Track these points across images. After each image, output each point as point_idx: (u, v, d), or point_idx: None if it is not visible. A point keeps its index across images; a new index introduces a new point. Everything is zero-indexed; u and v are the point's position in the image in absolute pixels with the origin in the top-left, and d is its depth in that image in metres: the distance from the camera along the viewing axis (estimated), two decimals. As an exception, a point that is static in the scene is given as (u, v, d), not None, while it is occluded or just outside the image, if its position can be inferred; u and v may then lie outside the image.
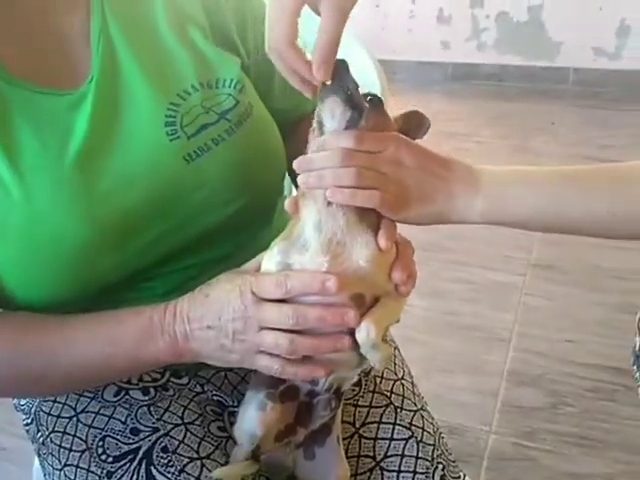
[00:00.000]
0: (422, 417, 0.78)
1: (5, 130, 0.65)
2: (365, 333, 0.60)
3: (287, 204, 0.64)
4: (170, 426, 0.72)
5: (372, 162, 0.62)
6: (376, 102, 0.63)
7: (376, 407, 0.77)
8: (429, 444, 0.76)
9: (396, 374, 0.82)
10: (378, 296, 0.62)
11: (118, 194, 0.67)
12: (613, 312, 1.88)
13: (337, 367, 0.64)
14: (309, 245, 0.61)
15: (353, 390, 0.79)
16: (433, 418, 0.80)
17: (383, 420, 0.76)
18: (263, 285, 0.61)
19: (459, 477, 0.77)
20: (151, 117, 0.70)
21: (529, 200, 0.63)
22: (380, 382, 0.80)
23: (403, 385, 0.81)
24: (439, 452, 0.76)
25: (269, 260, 0.63)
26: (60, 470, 0.74)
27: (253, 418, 0.66)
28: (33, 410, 0.80)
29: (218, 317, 0.62)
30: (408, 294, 0.64)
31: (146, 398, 0.75)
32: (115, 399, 0.75)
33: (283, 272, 0.61)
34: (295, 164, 0.63)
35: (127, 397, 0.75)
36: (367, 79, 1.05)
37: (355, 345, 0.61)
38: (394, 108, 0.70)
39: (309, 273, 0.60)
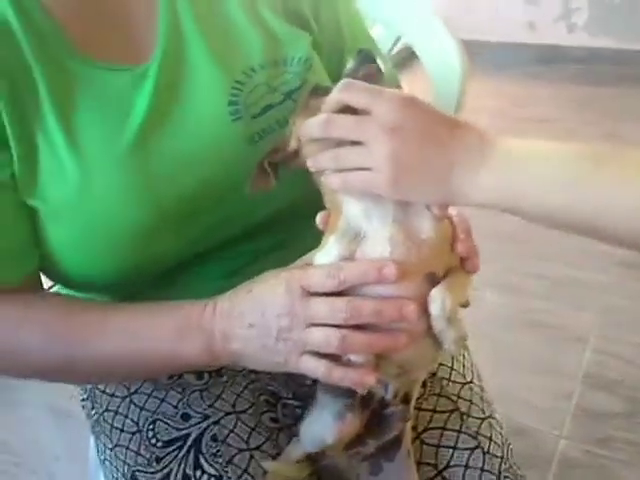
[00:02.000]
0: (490, 425, 0.72)
1: (65, 105, 0.62)
2: (440, 303, 0.54)
3: (319, 220, 0.59)
4: (221, 414, 0.70)
5: (358, 129, 0.54)
6: (366, 54, 0.58)
7: (441, 412, 0.72)
8: (497, 456, 0.70)
9: (464, 377, 0.76)
10: (446, 273, 0.57)
11: (177, 175, 0.64)
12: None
13: (406, 365, 0.59)
14: (364, 233, 0.56)
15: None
16: (502, 427, 0.74)
17: (447, 426, 0.71)
18: (313, 277, 0.56)
19: (529, 492, 0.71)
20: (214, 95, 0.66)
21: (546, 179, 0.50)
22: (447, 385, 0.74)
23: (472, 389, 0.75)
24: (507, 466, 0.70)
25: (325, 255, 0.57)
26: (112, 450, 0.72)
27: (328, 425, 0.61)
28: (89, 386, 0.79)
29: (261, 314, 0.57)
30: (475, 270, 0.58)
31: (200, 383, 0.72)
32: (169, 381, 0.73)
33: (335, 263, 0.56)
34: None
35: (181, 380, 0.73)
36: (446, 58, 0.99)
37: (425, 335, 0.55)
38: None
39: (364, 261, 0.55)
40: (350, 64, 0.60)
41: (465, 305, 0.58)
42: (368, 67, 0.59)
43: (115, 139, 0.63)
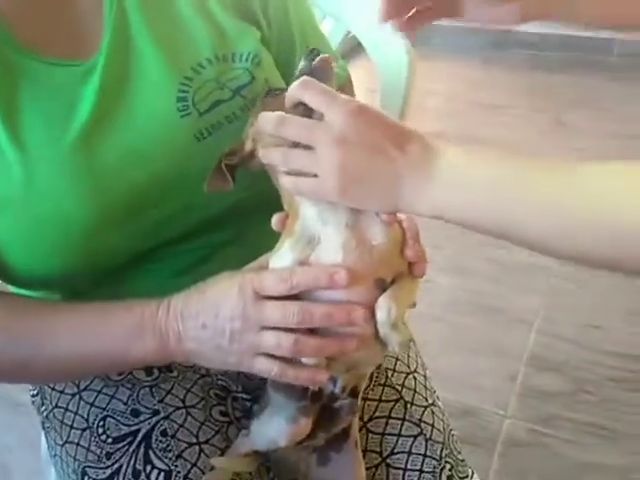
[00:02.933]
0: (432, 413, 0.75)
1: (9, 102, 0.62)
2: (386, 311, 0.56)
3: (274, 221, 0.60)
4: (171, 409, 0.71)
5: (309, 134, 0.55)
6: (317, 53, 0.60)
7: (386, 401, 0.75)
8: (438, 442, 0.73)
9: (409, 367, 0.79)
10: (395, 279, 0.59)
11: (124, 171, 0.64)
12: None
13: (354, 364, 0.61)
14: (318, 238, 0.58)
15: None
16: (444, 414, 0.78)
17: (392, 415, 0.74)
18: (265, 281, 0.57)
19: (467, 476, 0.75)
20: (162, 91, 0.66)
21: (485, 199, 0.51)
22: (392, 375, 0.77)
23: (416, 379, 0.78)
24: (448, 451, 0.73)
25: (280, 258, 0.58)
26: (62, 446, 0.73)
27: (281, 429, 0.63)
28: (38, 383, 0.79)
29: (215, 315, 0.58)
30: (423, 274, 0.60)
31: (149, 379, 0.73)
32: (118, 378, 0.74)
33: (288, 267, 0.57)
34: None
35: (130, 377, 0.73)
36: (393, 51, 1.00)
37: (371, 339, 0.57)
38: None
39: (316, 267, 0.57)
40: (301, 64, 0.61)
41: (412, 306, 0.61)
42: (320, 66, 0.60)
43: (61, 135, 0.63)
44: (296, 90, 0.57)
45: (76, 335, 0.64)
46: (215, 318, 0.58)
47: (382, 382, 0.76)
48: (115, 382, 0.73)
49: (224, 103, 0.68)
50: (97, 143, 0.64)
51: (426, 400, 0.76)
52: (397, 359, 0.79)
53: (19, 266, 0.65)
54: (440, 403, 0.79)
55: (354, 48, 1.28)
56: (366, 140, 0.54)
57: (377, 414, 0.74)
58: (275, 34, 0.76)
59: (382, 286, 0.57)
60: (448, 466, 0.72)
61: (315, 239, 0.58)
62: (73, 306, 0.66)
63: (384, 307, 0.56)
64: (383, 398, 0.75)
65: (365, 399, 0.74)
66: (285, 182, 0.58)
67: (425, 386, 0.78)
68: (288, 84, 0.75)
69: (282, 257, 0.58)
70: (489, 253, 2.05)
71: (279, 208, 0.62)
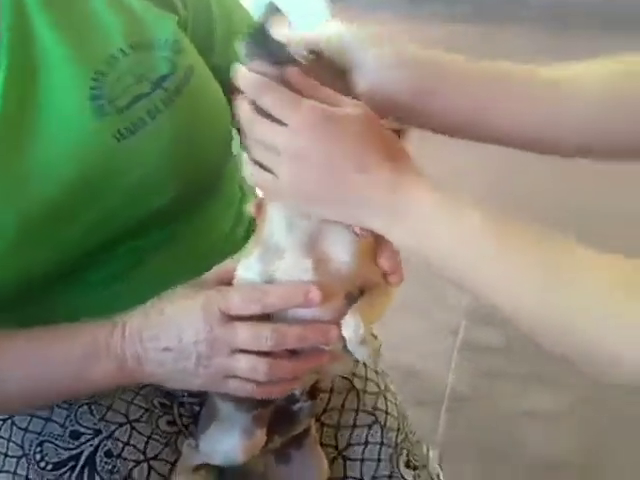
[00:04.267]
0: (385, 399, 0.74)
1: None
2: (353, 330, 0.54)
3: (250, 207, 0.57)
4: (114, 426, 0.67)
5: (272, 138, 0.51)
6: (313, 58, 0.53)
7: (338, 393, 0.73)
8: (393, 429, 0.72)
9: None
10: (365, 289, 0.56)
11: (41, 181, 0.59)
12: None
13: (323, 375, 0.61)
14: (285, 247, 0.54)
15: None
16: (397, 398, 0.77)
17: (346, 406, 0.72)
18: (234, 301, 0.54)
19: (424, 456, 0.75)
20: (73, 91, 0.60)
21: (450, 254, 0.49)
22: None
23: (365, 365, 0.76)
24: (403, 436, 0.72)
25: (248, 270, 0.55)
26: None
27: (237, 445, 0.60)
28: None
29: (178, 339, 0.55)
30: (399, 283, 0.57)
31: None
32: None
33: (256, 286, 0.54)
34: None
35: None
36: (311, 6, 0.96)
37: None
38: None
39: (289, 286, 0.54)
40: (244, 49, 0.54)
41: None
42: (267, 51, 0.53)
43: None
44: (253, 91, 0.52)
45: (26, 366, 0.60)
46: (179, 341, 0.55)
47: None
48: (49, 403, 0.69)
49: (145, 97, 0.62)
50: (6, 152, 0.58)
51: (378, 387, 0.75)
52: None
53: None
54: (392, 386, 0.78)
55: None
56: (324, 160, 0.50)
57: (330, 406, 0.72)
58: (191, 12, 0.71)
59: (351, 299, 0.55)
60: (405, 452, 0.72)
61: (281, 249, 0.54)
62: (23, 334, 0.62)
63: (352, 324, 0.54)
64: (335, 389, 0.73)
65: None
66: (245, 171, 0.54)
67: (376, 372, 0.77)
68: (209, 64, 0.70)
69: (249, 268, 0.56)
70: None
71: (214, 206, 0.58)
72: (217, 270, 0.59)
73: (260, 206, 0.56)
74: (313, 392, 0.63)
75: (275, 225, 0.55)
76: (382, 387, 0.76)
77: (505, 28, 3.12)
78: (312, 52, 0.54)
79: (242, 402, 0.60)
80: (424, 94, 0.56)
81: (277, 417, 0.62)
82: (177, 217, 0.69)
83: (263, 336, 0.54)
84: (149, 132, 0.62)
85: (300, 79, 0.52)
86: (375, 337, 0.57)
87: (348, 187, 0.50)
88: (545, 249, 0.47)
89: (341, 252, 0.54)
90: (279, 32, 0.53)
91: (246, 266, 0.56)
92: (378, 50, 0.56)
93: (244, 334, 0.54)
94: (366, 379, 0.75)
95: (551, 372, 1.55)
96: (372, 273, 0.56)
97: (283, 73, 0.52)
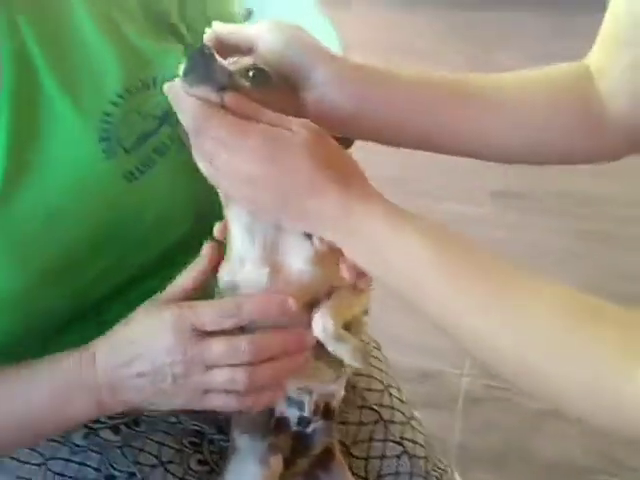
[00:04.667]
0: (412, 428, 0.75)
1: None
2: (320, 325, 0.54)
3: (216, 230, 0.58)
4: (147, 469, 0.67)
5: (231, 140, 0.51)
6: (258, 79, 0.54)
7: (366, 424, 0.74)
8: (421, 457, 0.73)
9: (382, 382, 0.78)
10: (331, 293, 0.57)
11: (48, 234, 0.58)
12: (575, 240, 1.87)
13: (309, 380, 0.60)
14: (245, 257, 0.56)
15: (340, 406, 0.74)
16: (421, 424, 0.78)
17: (374, 437, 0.73)
18: (206, 316, 0.54)
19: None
20: (81, 134, 0.59)
21: (401, 285, 0.51)
22: (368, 395, 0.76)
23: (391, 394, 0.77)
24: (432, 464, 0.73)
25: (219, 281, 0.58)
26: None
27: (255, 474, 0.61)
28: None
29: (151, 362, 0.54)
30: (368, 287, 0.58)
31: (118, 438, 0.69)
32: (85, 442, 0.69)
33: (228, 299, 0.56)
34: None
35: (98, 439, 0.69)
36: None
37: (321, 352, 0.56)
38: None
39: (263, 297, 0.55)
40: (184, 66, 0.53)
41: (364, 314, 0.59)
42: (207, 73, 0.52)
43: None
44: (200, 123, 0.52)
45: (6, 404, 0.60)
46: (152, 365, 0.55)
47: (359, 404, 0.75)
48: (82, 448, 0.69)
49: (152, 135, 0.62)
50: (13, 205, 0.57)
51: (404, 415, 0.76)
52: (371, 377, 0.78)
53: None
54: (417, 414, 0.78)
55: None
56: (274, 186, 0.51)
57: (359, 438, 0.73)
58: (194, 36, 0.70)
59: (316, 304, 0.56)
60: (434, 479, 0.72)
61: (243, 258, 0.56)
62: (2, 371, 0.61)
63: (319, 323, 0.55)
64: (363, 421, 0.74)
65: (345, 423, 0.73)
66: (204, 166, 0.54)
67: (401, 400, 0.78)
68: None
69: (220, 279, 0.57)
70: (419, 207, 2.04)
71: None
72: (176, 284, 0.58)
73: (223, 229, 0.58)
74: (326, 412, 0.64)
75: (237, 236, 0.56)
76: (408, 415, 0.76)
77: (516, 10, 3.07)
78: (256, 72, 0.54)
79: (256, 431, 0.61)
80: (369, 104, 0.57)
81: (294, 441, 0.63)
82: (192, 251, 0.69)
83: (240, 349, 0.54)
84: (159, 171, 0.62)
85: (241, 105, 0.52)
86: (363, 341, 0.58)
87: (301, 210, 0.51)
88: (488, 281, 0.48)
89: (299, 261, 0.55)
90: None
91: (218, 278, 0.57)
92: (322, 64, 0.57)
93: (219, 349, 0.54)
94: (392, 409, 0.76)
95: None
96: (337, 280, 0.56)
97: (224, 100, 0.52)
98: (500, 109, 0.60)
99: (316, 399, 0.62)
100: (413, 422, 0.76)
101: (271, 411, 0.62)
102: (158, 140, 0.62)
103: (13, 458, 0.72)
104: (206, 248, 0.58)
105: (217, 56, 0.52)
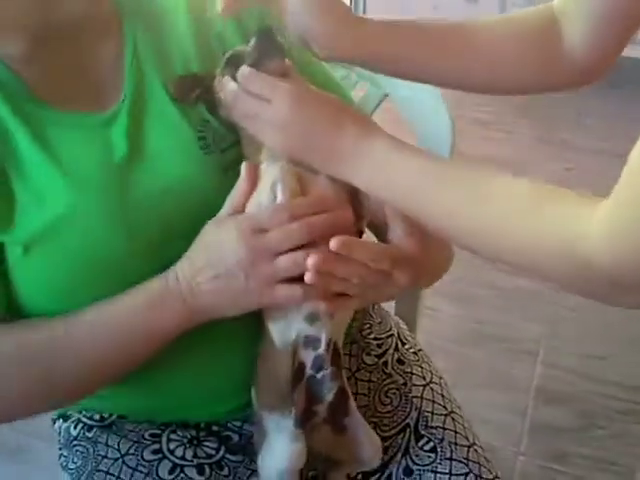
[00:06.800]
0: (476, 452, 0.77)
1: (49, 143, 0.65)
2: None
3: (244, 172, 0.64)
4: None
5: (260, 111, 0.63)
6: (264, 37, 0.65)
7: (456, 475, 0.74)
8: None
9: (467, 439, 0.79)
10: None
11: (156, 209, 0.67)
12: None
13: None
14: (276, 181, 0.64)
15: (429, 457, 0.76)
16: (484, 449, 0.79)
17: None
18: (261, 217, 0.62)
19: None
20: (183, 134, 0.69)
21: (405, 190, 0.60)
22: (455, 449, 0.76)
23: (454, 420, 0.80)
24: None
25: (251, 205, 0.64)
26: None
27: (292, 452, 0.65)
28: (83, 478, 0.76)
29: (222, 263, 0.62)
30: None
31: (202, 478, 0.71)
32: (170, 477, 0.71)
33: (274, 205, 0.63)
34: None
35: (182, 475, 0.71)
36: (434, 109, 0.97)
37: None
38: None
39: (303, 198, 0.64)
40: (252, 43, 0.65)
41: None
42: (268, 51, 0.64)
43: (100, 174, 0.65)
44: (242, 83, 0.63)
45: (97, 326, 0.65)
46: (224, 266, 0.62)
47: (448, 456, 0.76)
48: (165, 480, 0.71)
49: (239, 144, 0.70)
50: (130, 183, 0.67)
51: (467, 439, 0.78)
52: (455, 432, 0.79)
53: (38, 304, 0.66)
54: (478, 441, 0.80)
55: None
56: (303, 128, 0.62)
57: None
58: None
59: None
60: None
61: (276, 182, 0.64)
62: (83, 309, 0.66)
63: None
64: (453, 472, 0.74)
65: (435, 472, 0.75)
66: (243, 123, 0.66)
67: (463, 425, 0.81)
68: None
69: (256, 203, 0.64)
70: (487, 278, 2.04)
71: None
72: (225, 209, 0.65)
73: (253, 170, 0.65)
74: (335, 356, 0.67)
75: (263, 186, 0.64)
76: (471, 440, 0.78)
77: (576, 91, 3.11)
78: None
79: (280, 399, 0.66)
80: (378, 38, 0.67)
81: (307, 390, 0.66)
82: None
83: (292, 230, 0.60)
84: None
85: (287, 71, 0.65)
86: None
87: (329, 140, 0.61)
88: (470, 175, 0.58)
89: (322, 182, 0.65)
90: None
91: (254, 204, 0.64)
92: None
93: (276, 236, 0.61)
94: (480, 465, 0.76)
95: (626, 460, 1.50)
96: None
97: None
98: (477, 49, 0.70)
99: (329, 335, 0.66)
100: (476, 447, 0.78)
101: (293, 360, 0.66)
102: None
103: (93, 450, 0.75)
104: (244, 169, 0.64)
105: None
